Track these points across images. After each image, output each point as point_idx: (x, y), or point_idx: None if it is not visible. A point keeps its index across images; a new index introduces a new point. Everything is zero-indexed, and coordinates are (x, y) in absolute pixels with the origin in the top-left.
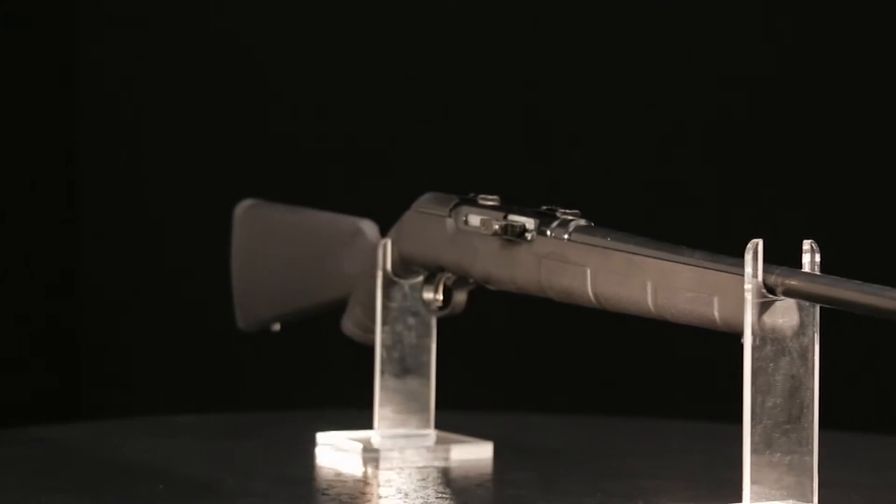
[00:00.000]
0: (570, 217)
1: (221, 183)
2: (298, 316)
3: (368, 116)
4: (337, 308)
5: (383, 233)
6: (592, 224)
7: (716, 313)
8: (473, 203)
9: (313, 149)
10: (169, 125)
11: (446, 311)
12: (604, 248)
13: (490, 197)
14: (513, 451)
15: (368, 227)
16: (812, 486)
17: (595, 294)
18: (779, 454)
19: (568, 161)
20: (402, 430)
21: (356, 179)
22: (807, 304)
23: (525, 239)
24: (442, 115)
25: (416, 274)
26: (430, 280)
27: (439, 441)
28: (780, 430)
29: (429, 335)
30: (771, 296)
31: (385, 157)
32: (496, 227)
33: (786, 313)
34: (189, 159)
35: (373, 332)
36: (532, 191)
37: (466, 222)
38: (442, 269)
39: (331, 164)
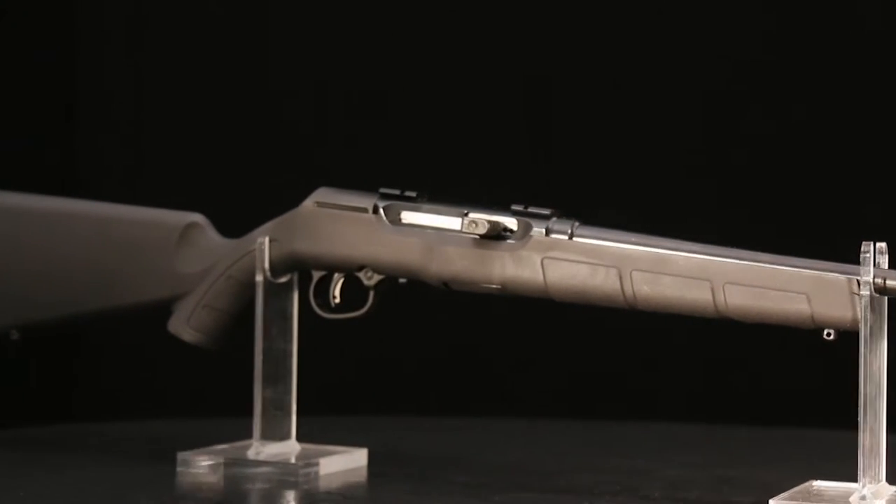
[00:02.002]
0: (557, 216)
1: (223, 182)
2: (78, 321)
3: (369, 116)
4: (152, 309)
5: (220, 229)
6: (581, 224)
7: (809, 311)
8: (403, 199)
9: (313, 149)
10: (170, 124)
11: (362, 312)
12: (638, 247)
13: (414, 193)
14: (388, 457)
15: (205, 223)
16: (882, 466)
17: (632, 294)
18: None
19: (557, 161)
20: (272, 443)
21: (357, 180)
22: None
23: (505, 238)
24: (441, 115)
25: (287, 274)
26: (324, 280)
27: (308, 452)
28: (875, 415)
29: (291, 340)
30: (877, 294)
31: (385, 157)
32: (487, 226)
33: (877, 308)
34: (190, 158)
35: (216, 336)
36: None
37: (400, 220)
38: (361, 268)
39: (332, 164)
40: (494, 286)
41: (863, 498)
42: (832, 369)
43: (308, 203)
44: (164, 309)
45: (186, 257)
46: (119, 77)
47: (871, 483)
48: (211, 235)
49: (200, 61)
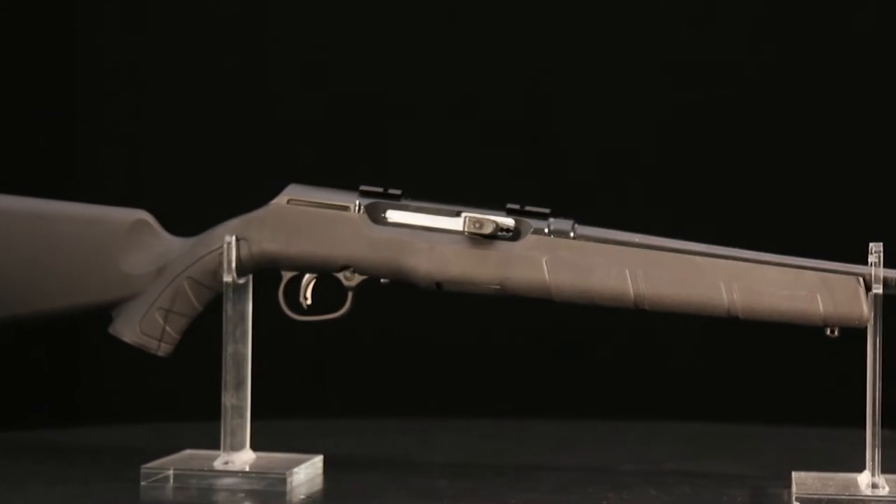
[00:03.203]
0: (555, 215)
1: (222, 181)
2: (11, 324)
3: (369, 116)
4: (95, 312)
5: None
6: (579, 223)
7: (821, 309)
8: (388, 197)
9: (313, 149)
10: (169, 123)
11: (340, 313)
12: (645, 247)
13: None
14: (343, 463)
15: (152, 220)
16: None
17: (641, 294)
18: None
19: (553, 161)
20: (233, 452)
21: (358, 180)
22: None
23: (503, 237)
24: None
25: (249, 274)
26: (293, 281)
27: (264, 461)
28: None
29: (247, 343)
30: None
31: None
32: (493, 226)
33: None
34: (190, 158)
35: (169, 340)
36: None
37: (385, 219)
38: (342, 269)
39: (333, 165)
40: (493, 287)
41: (874, 486)
42: (794, 367)
43: (279, 200)
44: (107, 312)
45: (133, 257)
46: (119, 74)
47: (867, 472)
48: (160, 234)
49: (202, 60)
